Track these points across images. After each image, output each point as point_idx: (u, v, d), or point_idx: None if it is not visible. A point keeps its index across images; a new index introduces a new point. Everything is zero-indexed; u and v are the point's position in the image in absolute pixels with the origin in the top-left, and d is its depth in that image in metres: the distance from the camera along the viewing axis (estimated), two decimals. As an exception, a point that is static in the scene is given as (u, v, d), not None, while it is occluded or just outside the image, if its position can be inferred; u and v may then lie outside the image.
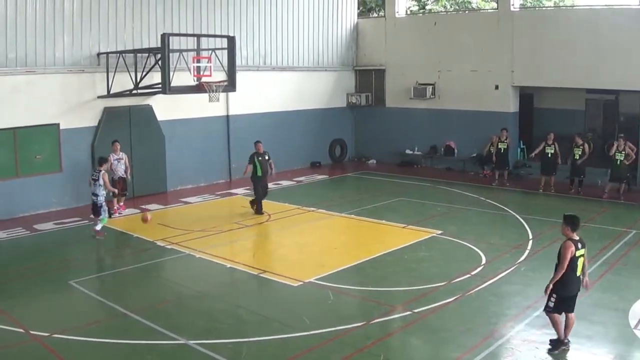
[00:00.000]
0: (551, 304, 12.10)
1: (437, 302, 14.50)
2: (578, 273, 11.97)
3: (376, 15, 36.42)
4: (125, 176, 23.31)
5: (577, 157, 26.70)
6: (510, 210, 23.68)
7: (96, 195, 19.98)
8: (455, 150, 32.47)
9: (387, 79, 34.86)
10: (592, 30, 28.59)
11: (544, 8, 33.72)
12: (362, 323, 13.40)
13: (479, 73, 31.62)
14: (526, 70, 30.51)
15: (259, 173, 22.59)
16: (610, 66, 27.98)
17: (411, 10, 35.46)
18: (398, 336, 13.13)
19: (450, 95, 32.65)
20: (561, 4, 34.29)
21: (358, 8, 35.60)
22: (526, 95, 32.33)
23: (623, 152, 25.73)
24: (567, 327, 12.28)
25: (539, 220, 22.17)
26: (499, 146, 28.15)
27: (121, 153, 23.31)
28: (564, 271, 11.73)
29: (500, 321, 13.67)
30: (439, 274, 16.60)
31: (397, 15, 34.34)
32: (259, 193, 22.85)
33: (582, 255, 11.98)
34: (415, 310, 14.04)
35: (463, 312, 14.19)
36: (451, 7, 35.66)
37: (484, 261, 17.66)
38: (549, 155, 27.16)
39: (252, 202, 23.23)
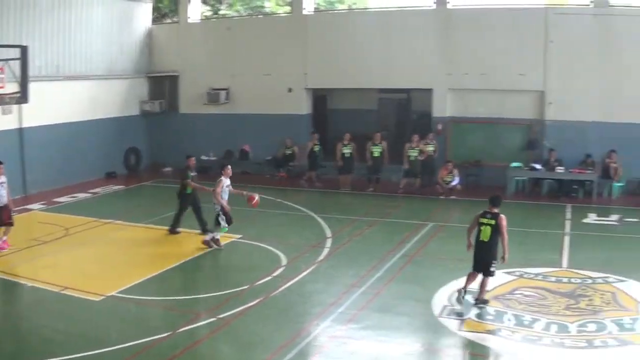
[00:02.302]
0: (493, 269, 14.21)
1: (242, 306, 14.36)
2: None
3: (170, 21, 35.78)
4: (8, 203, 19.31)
5: (376, 155, 27.33)
6: (308, 211, 23.92)
7: None
8: (250, 154, 32.42)
9: (181, 85, 34.28)
10: (384, 31, 29.55)
11: (336, 11, 34.28)
12: (168, 333, 13.01)
13: (272, 77, 31.71)
14: (319, 73, 30.96)
15: (189, 190, 21.01)
16: (402, 66, 29.07)
17: (205, 16, 35.09)
18: (206, 343, 12.88)
19: (244, 99, 32.53)
20: (354, 6, 34.98)
21: (152, 14, 34.85)
22: (320, 97, 32.76)
23: (417, 149, 26.63)
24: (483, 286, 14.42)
25: (336, 219, 22.53)
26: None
27: (2, 176, 19.09)
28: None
29: (306, 320, 13.75)
30: (241, 278, 16.43)
31: (190, 21, 33.85)
32: (183, 210, 21.15)
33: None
34: (221, 316, 13.84)
35: (268, 314, 14.15)
36: (245, 11, 35.57)
37: (284, 262, 17.71)
38: (347, 155, 27.66)
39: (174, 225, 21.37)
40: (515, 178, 27.13)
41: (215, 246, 19.07)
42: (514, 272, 16.58)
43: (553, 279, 16.35)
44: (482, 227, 14.33)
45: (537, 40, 27.59)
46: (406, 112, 32.52)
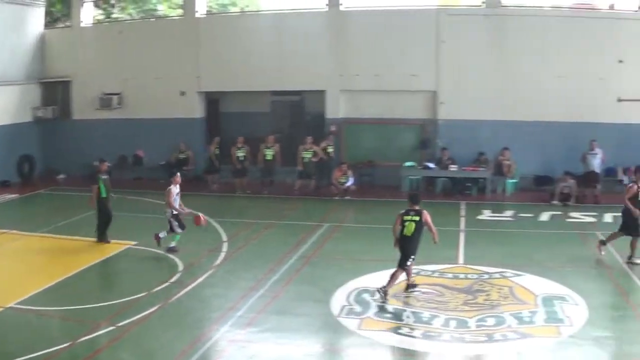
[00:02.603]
0: (409, 263, 14.92)
1: (141, 314, 13.87)
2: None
3: (62, 25, 34.72)
4: None
5: (269, 157, 27.16)
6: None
7: None
8: (144, 159, 31.78)
9: (74, 91, 33.11)
10: (276, 34, 29.40)
11: (229, 13, 33.93)
12: (69, 343, 12.39)
13: (164, 80, 30.99)
14: (212, 76, 30.50)
15: (104, 194, 19.94)
16: (295, 68, 28.90)
17: (97, 20, 34.20)
18: (106, 352, 12.33)
19: (137, 103, 31.69)
20: (247, 9, 34.70)
21: (45, 18, 33.72)
22: (213, 100, 32.31)
23: (311, 151, 26.55)
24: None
25: (232, 223, 22.21)
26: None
27: None
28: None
29: (205, 325, 13.46)
30: (138, 285, 15.87)
31: (83, 25, 32.76)
32: (104, 217, 20.07)
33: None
34: (120, 324, 13.30)
35: (167, 320, 13.76)
36: (137, 15, 34.89)
37: (181, 268, 17.29)
38: (242, 158, 27.41)
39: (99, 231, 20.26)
40: (409, 177, 27.25)
41: (166, 248, 18.72)
42: (411, 270, 16.56)
43: (450, 275, 16.41)
44: (407, 224, 14.98)
45: (429, 41, 27.88)
46: (300, 114, 32.30)
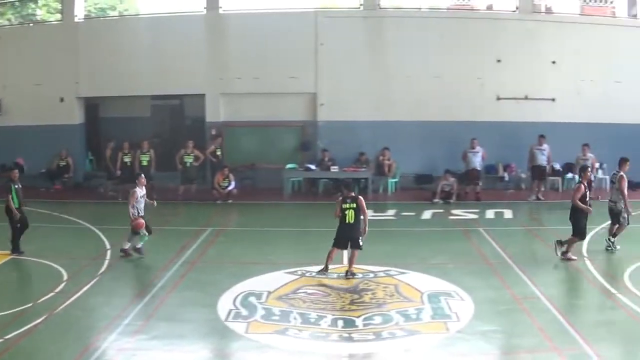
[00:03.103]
0: (361, 243, 16.20)
1: (27, 325, 13.18)
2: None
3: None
4: None
5: (144, 163, 26.85)
6: (85, 223, 22.80)
7: None
8: (25, 167, 30.65)
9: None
10: (156, 37, 28.96)
11: (108, 18, 33.21)
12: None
13: (44, 86, 29.90)
14: (91, 81, 29.72)
15: (16, 203, 18.76)
16: (174, 72, 28.50)
17: (-25, 25, 32.92)
18: (-5, 366, 11.80)
19: (17, 110, 30.39)
20: (125, 13, 34.00)
21: None
22: (92, 106, 31.46)
23: (192, 155, 26.20)
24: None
25: (116, 230, 21.58)
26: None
27: None
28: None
29: (92, 334, 12.92)
30: (23, 296, 15.37)
31: (-39, 31, 31.51)
32: (18, 228, 18.97)
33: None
34: (7, 337, 12.62)
35: (54, 331, 13.17)
36: (16, 20, 33.74)
37: (66, 277, 16.59)
38: (128, 164, 27.10)
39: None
40: (291, 179, 27.28)
41: (136, 254, 18.25)
42: (295, 271, 16.55)
43: (335, 275, 16.34)
44: (347, 212, 16.11)
45: (308, 44, 28.00)
46: (179, 118, 31.92)
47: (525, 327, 13.31)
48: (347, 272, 16.16)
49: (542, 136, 26.65)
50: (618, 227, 18.63)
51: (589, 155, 25.96)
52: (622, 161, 18.84)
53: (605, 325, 13.59)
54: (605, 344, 12.43)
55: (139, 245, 18.37)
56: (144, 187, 18.65)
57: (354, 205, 16.06)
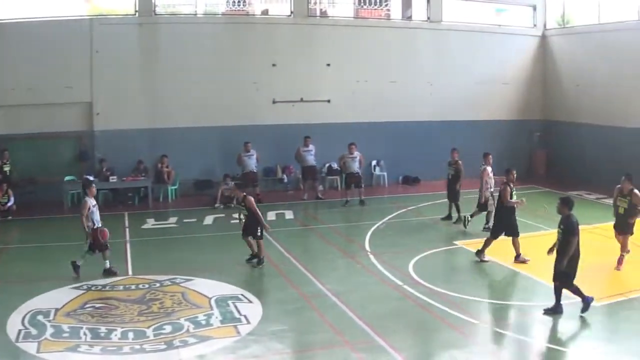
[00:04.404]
0: (259, 233, 17.76)
1: None
2: None
3: None
4: None
5: None
6: None
7: None
8: None
9: None
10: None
11: None
12: None
13: None
14: None
15: None
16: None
17: None
18: None
19: None
20: None
21: None
22: None
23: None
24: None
25: None
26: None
27: None
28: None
29: None
30: None
31: None
32: None
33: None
34: None
35: None
36: None
37: None
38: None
39: None
40: (71, 191, 26.42)
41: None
42: (81, 286, 16.29)
43: (121, 287, 16.33)
44: (241, 215, 18.16)
45: (83, 52, 27.16)
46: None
47: (316, 324, 13.88)
48: (257, 259, 17.99)
49: (307, 137, 27.76)
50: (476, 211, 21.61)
51: (356, 153, 27.02)
52: (485, 155, 21.72)
53: (394, 316, 14.49)
54: (396, 334, 13.33)
55: (80, 263, 17.29)
56: (93, 198, 17.65)
57: (243, 205, 17.77)
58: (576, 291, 14.00)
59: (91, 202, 17.41)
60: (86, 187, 17.92)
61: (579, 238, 13.80)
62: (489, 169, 21.30)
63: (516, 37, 33.57)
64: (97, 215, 17.48)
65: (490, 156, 21.73)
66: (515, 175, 18.53)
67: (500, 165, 21.70)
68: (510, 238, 18.10)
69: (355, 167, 26.86)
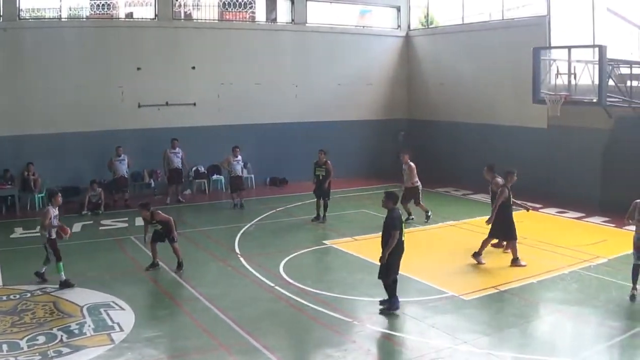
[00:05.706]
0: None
1: None
2: None
3: None
4: None
5: None
6: None
7: None
8: None
9: None
10: None
11: None
12: None
13: None
14: None
15: None
16: None
17: None
18: None
19: None
20: None
21: None
22: None
23: None
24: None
25: None
26: None
27: None
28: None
29: None
30: None
31: None
32: None
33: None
34: None
35: None
36: None
37: None
38: None
39: None
40: None
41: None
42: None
43: (-7, 299, 15.99)
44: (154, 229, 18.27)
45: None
46: None
47: (190, 329, 14.02)
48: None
49: (175, 139, 27.82)
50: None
51: (239, 157, 27.20)
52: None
53: (267, 317, 14.80)
54: (270, 335, 13.65)
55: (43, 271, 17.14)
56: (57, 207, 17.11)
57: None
58: (390, 288, 14.62)
59: (53, 211, 17.00)
60: (51, 196, 17.61)
61: (402, 232, 14.33)
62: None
63: (381, 37, 34.66)
64: (55, 224, 17.15)
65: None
66: (515, 178, 18.36)
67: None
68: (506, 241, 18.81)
69: (239, 170, 27.15)
